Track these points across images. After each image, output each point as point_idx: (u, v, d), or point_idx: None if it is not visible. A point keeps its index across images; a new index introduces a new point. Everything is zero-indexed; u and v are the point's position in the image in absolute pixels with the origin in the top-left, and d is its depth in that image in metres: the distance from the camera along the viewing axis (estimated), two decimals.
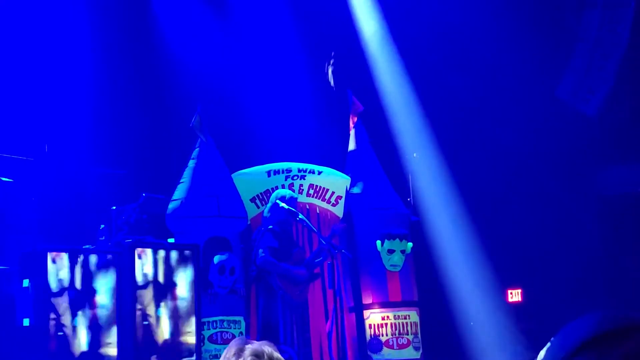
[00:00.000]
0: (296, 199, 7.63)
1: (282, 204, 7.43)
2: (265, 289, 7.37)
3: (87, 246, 6.65)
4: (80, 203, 7.73)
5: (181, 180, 7.69)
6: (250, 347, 2.16)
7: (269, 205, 7.59)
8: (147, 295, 6.67)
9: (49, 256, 6.13)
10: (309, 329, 7.58)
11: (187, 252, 6.99)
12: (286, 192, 7.65)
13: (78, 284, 6.26)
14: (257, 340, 7.22)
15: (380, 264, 8.28)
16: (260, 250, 7.26)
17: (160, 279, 6.80)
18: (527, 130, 10.55)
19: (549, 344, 1.12)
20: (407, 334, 8.18)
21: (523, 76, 10.55)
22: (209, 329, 7.21)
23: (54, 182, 7.68)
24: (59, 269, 6.17)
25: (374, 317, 8.20)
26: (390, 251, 8.27)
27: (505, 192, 10.53)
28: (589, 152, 10.68)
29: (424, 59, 10.44)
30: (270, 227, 7.33)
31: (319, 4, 10.42)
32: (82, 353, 6.21)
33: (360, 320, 8.22)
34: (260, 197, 8.13)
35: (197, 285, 7.02)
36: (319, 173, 8.43)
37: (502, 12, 10.34)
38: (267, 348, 2.17)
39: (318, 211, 8.37)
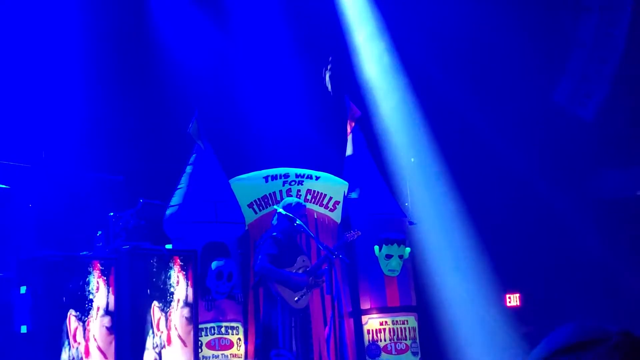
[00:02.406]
0: (304, 206, 7.58)
1: (280, 210, 7.43)
2: (267, 295, 7.37)
3: (84, 252, 6.63)
4: (77, 209, 7.71)
5: (179, 186, 7.68)
6: None
7: (277, 213, 7.57)
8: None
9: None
10: (311, 334, 7.56)
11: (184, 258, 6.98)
12: (292, 200, 7.64)
13: (76, 290, 6.24)
14: (257, 344, 7.18)
15: (378, 269, 8.28)
16: (260, 256, 7.26)
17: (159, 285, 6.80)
18: (524, 134, 10.57)
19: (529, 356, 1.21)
20: (406, 339, 8.17)
21: (520, 80, 10.56)
22: (207, 335, 7.19)
23: (51, 188, 7.66)
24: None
25: (372, 323, 8.19)
26: (388, 256, 8.27)
27: (502, 196, 10.53)
28: (586, 156, 10.69)
29: (420, 64, 10.45)
30: (274, 234, 7.32)
31: (316, 9, 10.44)
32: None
33: (359, 326, 8.21)
34: (258, 203, 8.12)
35: (195, 291, 7.01)
36: (317, 178, 8.42)
37: (498, 16, 10.35)
38: None
39: (316, 216, 8.36)
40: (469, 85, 10.58)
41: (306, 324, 7.46)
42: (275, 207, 7.60)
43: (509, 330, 10.28)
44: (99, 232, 7.01)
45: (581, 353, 1.16)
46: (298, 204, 7.49)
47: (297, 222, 7.28)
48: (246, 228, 7.85)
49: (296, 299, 7.28)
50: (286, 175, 8.29)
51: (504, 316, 10.46)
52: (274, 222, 7.47)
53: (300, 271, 7.39)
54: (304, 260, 7.46)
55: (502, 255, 10.37)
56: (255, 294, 7.73)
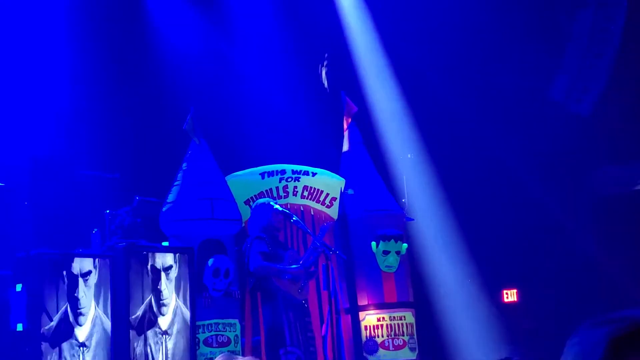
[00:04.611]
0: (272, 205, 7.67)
1: (277, 206, 7.44)
2: (266, 294, 7.38)
3: (80, 250, 6.61)
4: (73, 207, 7.69)
5: (175, 183, 7.66)
6: None
7: (251, 215, 7.59)
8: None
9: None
10: (311, 328, 7.58)
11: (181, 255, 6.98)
12: (265, 200, 7.69)
13: (71, 288, 6.23)
14: (265, 344, 7.15)
15: (375, 265, 8.26)
16: (252, 258, 7.28)
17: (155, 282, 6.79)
18: (520, 130, 10.56)
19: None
20: (403, 335, 8.16)
21: (516, 76, 10.55)
22: (204, 332, 7.18)
23: (46, 186, 7.65)
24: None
25: (370, 319, 8.18)
26: (386, 252, 8.25)
27: (499, 192, 10.53)
28: (582, 152, 10.68)
29: (416, 61, 10.44)
30: (257, 235, 7.37)
31: (312, 6, 10.42)
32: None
33: (356, 322, 8.20)
34: (255, 199, 8.10)
35: (192, 288, 6.99)
36: (313, 175, 8.40)
37: (494, 12, 10.34)
38: None
39: (312, 213, 8.34)
40: (465, 81, 10.56)
41: (306, 316, 7.49)
42: (271, 203, 7.60)
43: (507, 325, 10.28)
44: (95, 230, 6.99)
45: None
46: (269, 203, 7.58)
47: (294, 219, 7.30)
48: (243, 225, 7.83)
49: (296, 290, 7.34)
50: (282, 172, 8.27)
51: (501, 312, 10.46)
52: (250, 223, 7.52)
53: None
54: (292, 255, 7.51)
55: (500, 251, 10.36)
56: (253, 296, 7.71)
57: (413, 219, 9.26)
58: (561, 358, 1.21)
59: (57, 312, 6.09)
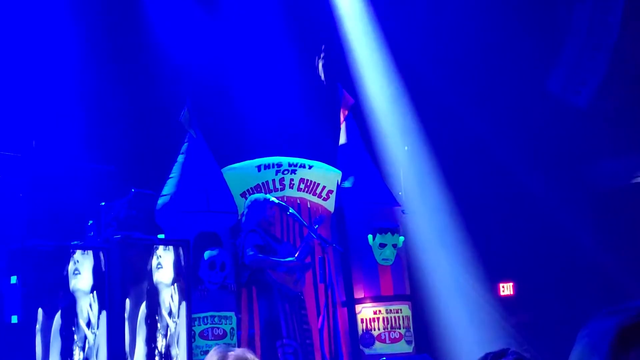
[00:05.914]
0: (268, 199, 7.64)
1: (273, 198, 7.44)
2: (262, 288, 7.37)
3: (75, 242, 6.58)
4: (68, 199, 7.65)
5: (170, 176, 7.64)
6: (234, 354, 2.11)
7: (245, 210, 7.57)
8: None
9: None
10: (308, 320, 7.58)
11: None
12: (260, 195, 7.67)
13: (67, 280, 6.20)
14: (261, 337, 7.16)
15: (372, 258, 8.25)
16: (248, 250, 7.25)
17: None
18: (518, 123, 10.53)
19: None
20: (399, 328, 8.15)
21: (513, 68, 10.51)
22: (200, 325, 7.16)
23: (41, 178, 7.61)
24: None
25: (366, 312, 8.17)
26: (382, 245, 8.24)
27: (496, 185, 10.51)
28: (580, 145, 10.66)
29: (413, 53, 10.40)
30: (252, 229, 7.36)
31: None
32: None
33: (352, 315, 8.19)
34: (251, 192, 8.08)
35: (188, 281, 6.97)
36: (310, 167, 8.38)
37: (491, 3, 10.30)
38: (249, 355, 2.13)
39: (309, 206, 8.33)
40: (462, 73, 10.52)
41: (302, 309, 7.49)
42: (267, 196, 7.59)
43: (503, 319, 10.28)
44: (90, 222, 6.97)
45: None
46: (266, 199, 7.56)
47: (290, 211, 7.29)
48: (239, 217, 7.81)
49: (292, 282, 7.34)
50: (279, 164, 8.25)
51: (497, 305, 10.45)
52: (244, 219, 7.51)
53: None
54: (287, 248, 7.51)
55: (496, 244, 10.35)
56: (248, 289, 7.69)
57: (410, 212, 9.24)
58: (572, 350, 1.20)
59: (53, 305, 6.07)
